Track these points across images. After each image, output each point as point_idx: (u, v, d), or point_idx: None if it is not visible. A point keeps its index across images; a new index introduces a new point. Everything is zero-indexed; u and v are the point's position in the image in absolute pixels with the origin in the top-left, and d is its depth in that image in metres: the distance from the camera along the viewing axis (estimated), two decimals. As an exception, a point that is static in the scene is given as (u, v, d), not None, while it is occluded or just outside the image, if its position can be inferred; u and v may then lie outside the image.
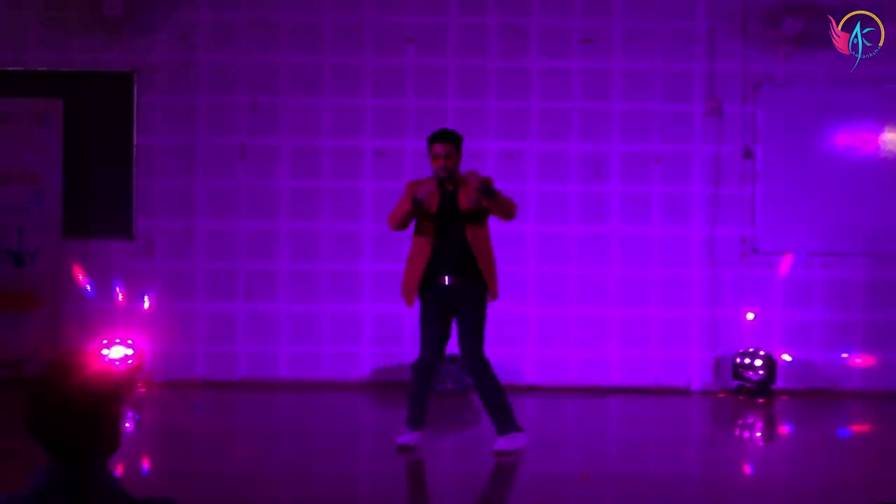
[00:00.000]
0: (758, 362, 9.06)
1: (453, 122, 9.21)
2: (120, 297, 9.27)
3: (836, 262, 9.37)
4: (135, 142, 9.29)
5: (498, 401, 6.67)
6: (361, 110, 9.33)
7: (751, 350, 9.14)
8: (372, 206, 9.29)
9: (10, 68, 9.27)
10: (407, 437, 6.72)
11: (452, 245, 6.69)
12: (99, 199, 9.25)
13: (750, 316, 9.29)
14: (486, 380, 6.68)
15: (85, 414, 2.30)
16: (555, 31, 9.35)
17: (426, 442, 6.80)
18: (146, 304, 9.29)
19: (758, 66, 9.38)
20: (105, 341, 9.03)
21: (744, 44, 9.36)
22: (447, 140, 6.77)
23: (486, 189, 6.49)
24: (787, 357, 9.30)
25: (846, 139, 9.38)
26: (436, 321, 6.76)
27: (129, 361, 8.98)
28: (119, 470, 5.91)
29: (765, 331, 9.34)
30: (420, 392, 6.77)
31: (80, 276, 9.25)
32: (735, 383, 9.20)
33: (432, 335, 6.76)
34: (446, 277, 6.71)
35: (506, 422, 6.64)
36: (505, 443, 6.59)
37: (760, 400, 9.00)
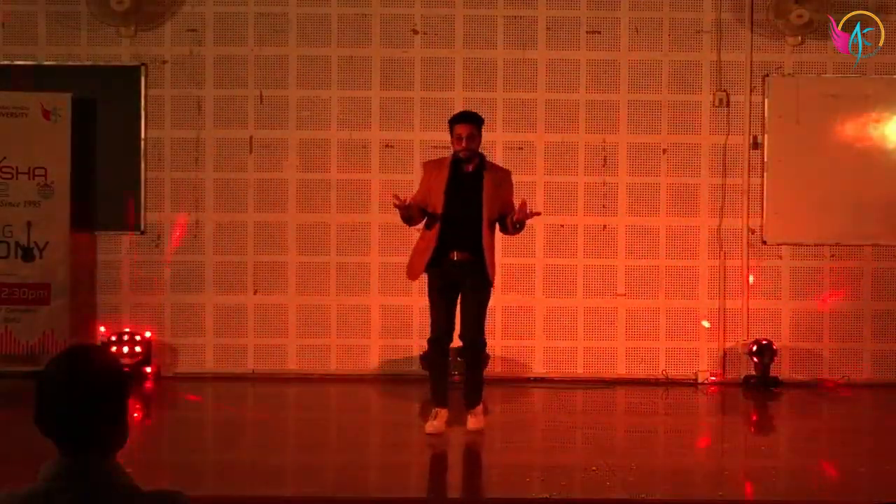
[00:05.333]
0: (766, 353, 9.05)
1: (460, 114, 9.21)
2: (128, 290, 9.29)
3: (845, 252, 9.36)
4: (143, 135, 9.31)
5: (479, 380, 7.09)
6: (368, 102, 9.34)
7: (759, 341, 9.13)
8: (379, 199, 9.30)
9: (19, 62, 9.29)
10: (434, 424, 7.01)
11: (465, 225, 6.82)
12: (107, 193, 9.28)
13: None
14: (478, 361, 7.08)
15: (93, 406, 2.31)
16: (562, 22, 9.34)
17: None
18: (155, 298, 9.31)
19: (765, 56, 9.36)
20: (114, 334, 9.06)
21: (751, 34, 9.34)
22: (469, 121, 6.92)
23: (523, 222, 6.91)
24: (792, 339, 9.30)
25: (854, 129, 9.35)
26: (442, 296, 6.94)
27: (138, 354, 9.00)
28: (127, 462, 5.93)
29: (773, 322, 9.33)
30: (438, 368, 7.11)
31: (89, 270, 9.27)
32: (743, 374, 9.20)
33: (441, 308, 6.95)
34: (455, 253, 6.87)
35: (479, 399, 7.10)
36: (475, 421, 7.03)
37: (768, 391, 8.99)
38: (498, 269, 7.11)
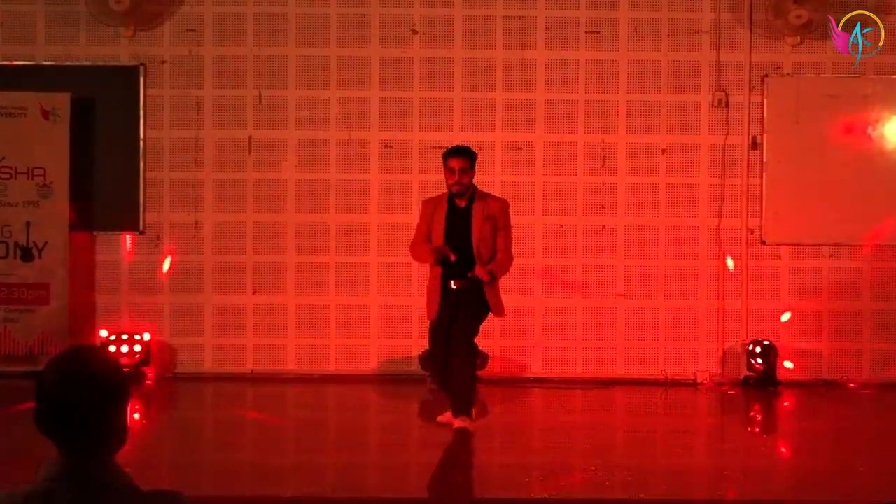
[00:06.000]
0: (765, 353, 9.05)
1: (460, 114, 9.22)
2: (128, 290, 9.28)
3: (844, 252, 9.36)
4: (142, 135, 9.31)
5: (464, 387, 6.89)
6: (367, 102, 9.34)
7: (758, 341, 9.14)
8: (378, 199, 9.30)
9: (18, 62, 9.29)
10: (447, 415, 7.07)
11: (461, 257, 6.86)
12: (106, 193, 9.27)
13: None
14: (464, 364, 6.88)
15: (92, 407, 2.31)
16: (561, 23, 9.34)
17: (430, 434, 6.82)
18: (154, 298, 9.30)
19: (764, 57, 9.36)
20: (113, 334, 9.05)
21: (750, 34, 9.34)
22: (462, 155, 6.99)
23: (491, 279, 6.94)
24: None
25: (853, 129, 9.35)
26: (441, 328, 6.98)
27: (137, 354, 9.00)
28: (126, 462, 5.93)
29: (772, 322, 9.33)
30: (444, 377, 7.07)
31: (88, 270, 9.27)
32: (742, 374, 9.20)
33: (439, 340, 7.00)
34: (452, 282, 6.94)
35: (464, 407, 6.90)
36: (460, 420, 6.87)
37: (767, 391, 8.99)
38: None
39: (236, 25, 9.33)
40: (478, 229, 6.96)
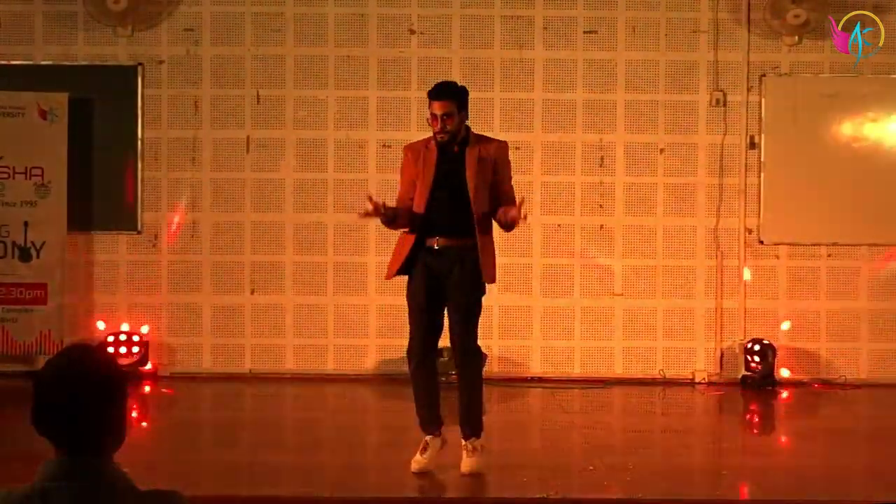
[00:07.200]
0: (762, 353, 9.06)
1: (458, 113, 9.21)
2: (125, 290, 9.28)
3: (842, 252, 9.36)
4: (140, 135, 9.30)
5: (476, 402, 5.95)
6: (366, 102, 9.34)
7: (755, 341, 9.14)
8: (377, 199, 9.28)
9: (16, 62, 9.28)
10: (422, 460, 5.97)
11: (451, 210, 5.79)
12: (104, 193, 9.27)
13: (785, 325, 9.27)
14: (472, 380, 5.94)
15: (90, 406, 2.31)
16: (559, 22, 9.34)
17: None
18: (152, 297, 9.30)
19: (762, 56, 9.37)
20: (111, 334, 9.05)
21: (748, 34, 9.35)
22: (445, 97, 5.81)
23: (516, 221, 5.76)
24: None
25: (852, 129, 9.36)
26: (423, 301, 5.84)
27: (135, 354, 9.00)
28: (124, 462, 5.93)
29: (770, 321, 9.34)
30: (422, 387, 5.94)
31: (86, 270, 9.27)
32: (740, 374, 9.20)
33: (420, 316, 5.86)
34: (436, 241, 5.83)
35: (478, 426, 5.99)
36: (471, 462, 5.94)
37: (766, 391, 9.00)
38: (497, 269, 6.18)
39: (234, 25, 9.33)
40: (473, 178, 5.76)
